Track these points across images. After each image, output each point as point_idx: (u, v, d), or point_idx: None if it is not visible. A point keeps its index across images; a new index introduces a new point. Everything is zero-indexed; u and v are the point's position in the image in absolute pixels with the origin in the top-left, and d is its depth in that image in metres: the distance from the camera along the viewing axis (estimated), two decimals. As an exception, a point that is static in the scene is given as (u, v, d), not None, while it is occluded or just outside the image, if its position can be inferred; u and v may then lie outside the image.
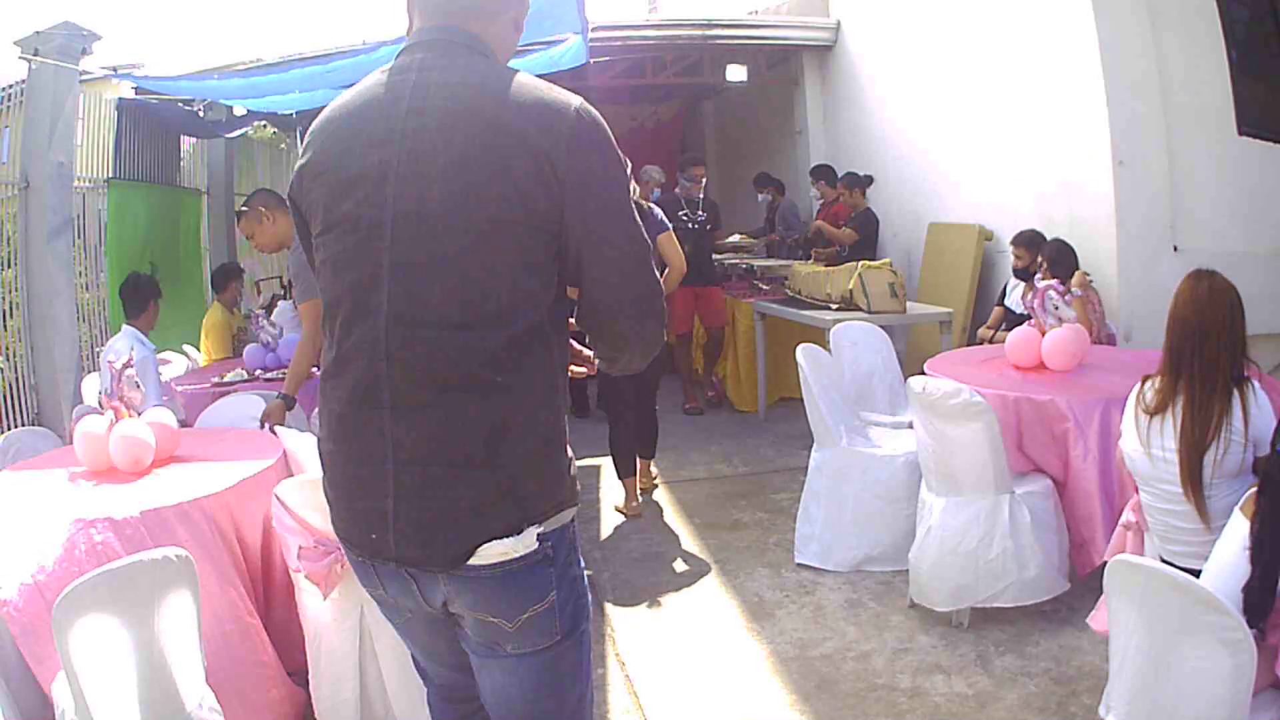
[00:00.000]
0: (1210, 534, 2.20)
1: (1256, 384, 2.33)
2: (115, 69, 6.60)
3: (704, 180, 6.28)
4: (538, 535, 1.39)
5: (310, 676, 2.54)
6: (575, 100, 1.40)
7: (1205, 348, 2.31)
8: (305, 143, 1.50)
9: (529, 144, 1.33)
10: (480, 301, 1.33)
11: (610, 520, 4.57)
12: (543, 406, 1.39)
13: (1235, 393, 2.29)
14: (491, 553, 1.36)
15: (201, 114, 7.11)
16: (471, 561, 1.36)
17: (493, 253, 1.33)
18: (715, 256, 7.49)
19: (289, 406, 3.75)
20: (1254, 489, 2.01)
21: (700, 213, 6.24)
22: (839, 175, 7.06)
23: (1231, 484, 2.29)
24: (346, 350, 1.40)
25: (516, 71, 1.42)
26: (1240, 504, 2.02)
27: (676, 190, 6.30)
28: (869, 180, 6.86)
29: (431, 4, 1.47)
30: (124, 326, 4.45)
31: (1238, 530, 1.97)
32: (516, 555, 1.37)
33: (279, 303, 6.49)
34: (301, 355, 3.65)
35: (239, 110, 7.28)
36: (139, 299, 4.47)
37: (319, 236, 1.45)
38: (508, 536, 1.36)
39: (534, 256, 1.35)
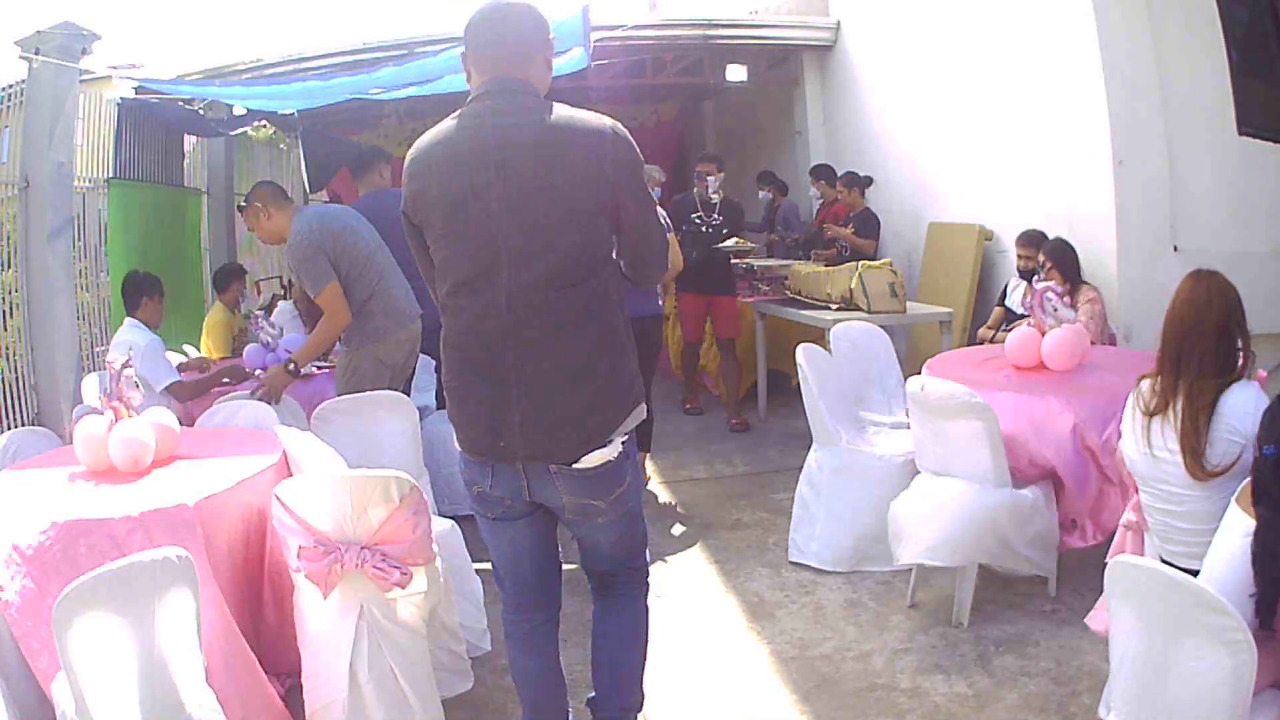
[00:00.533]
0: (1211, 533, 2.20)
1: (1254, 383, 2.33)
2: (115, 69, 6.60)
3: (711, 179, 5.79)
4: (621, 442, 2.06)
5: (304, 676, 2.54)
6: (609, 122, 2.03)
7: (1201, 347, 2.31)
8: (407, 174, 2.07)
9: (587, 159, 1.97)
10: (571, 270, 1.98)
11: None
12: (615, 334, 2.06)
13: (1231, 391, 2.29)
14: (593, 459, 2.03)
15: (202, 112, 7.10)
16: (577, 466, 2.03)
17: (575, 236, 1.98)
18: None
19: (294, 375, 3.82)
20: (1249, 480, 2.01)
21: (715, 215, 5.80)
22: (839, 175, 7.05)
23: (1230, 484, 2.29)
24: (476, 312, 2.01)
25: (559, 105, 2.03)
26: (1236, 495, 2.02)
27: (694, 191, 5.95)
28: (869, 181, 6.85)
29: (486, 62, 2.05)
30: (126, 319, 4.55)
31: (1235, 524, 1.97)
32: (609, 460, 2.05)
33: (279, 303, 6.49)
34: (324, 334, 3.76)
35: (239, 110, 7.27)
36: (134, 294, 4.57)
37: (436, 241, 2.05)
38: (602, 448, 2.03)
39: (601, 234, 2.03)
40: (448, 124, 2.03)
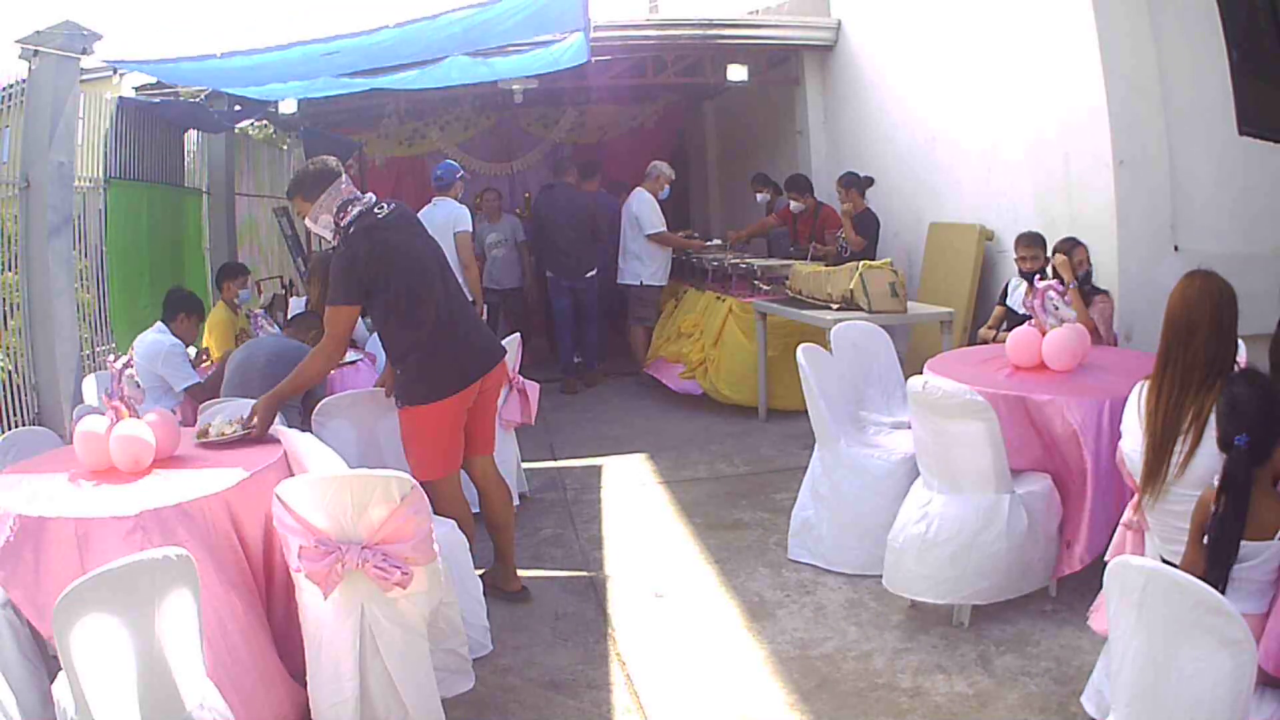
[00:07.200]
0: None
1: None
2: (115, 69, 6.58)
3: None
4: (594, 272, 7.43)
5: (308, 677, 2.54)
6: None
7: (1192, 346, 2.32)
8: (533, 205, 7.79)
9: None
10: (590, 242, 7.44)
11: (610, 520, 4.57)
12: (599, 248, 7.46)
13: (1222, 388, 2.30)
14: (590, 274, 7.36)
15: (203, 101, 7.07)
16: (585, 276, 7.37)
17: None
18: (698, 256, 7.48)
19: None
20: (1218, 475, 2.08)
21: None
22: (842, 174, 6.98)
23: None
24: (559, 248, 7.32)
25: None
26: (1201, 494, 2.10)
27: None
28: (869, 181, 6.79)
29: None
30: (155, 322, 4.77)
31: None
32: (594, 274, 7.38)
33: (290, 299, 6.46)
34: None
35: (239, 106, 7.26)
36: (174, 308, 4.82)
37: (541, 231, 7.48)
38: (592, 270, 7.36)
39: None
40: (551, 193, 7.49)
